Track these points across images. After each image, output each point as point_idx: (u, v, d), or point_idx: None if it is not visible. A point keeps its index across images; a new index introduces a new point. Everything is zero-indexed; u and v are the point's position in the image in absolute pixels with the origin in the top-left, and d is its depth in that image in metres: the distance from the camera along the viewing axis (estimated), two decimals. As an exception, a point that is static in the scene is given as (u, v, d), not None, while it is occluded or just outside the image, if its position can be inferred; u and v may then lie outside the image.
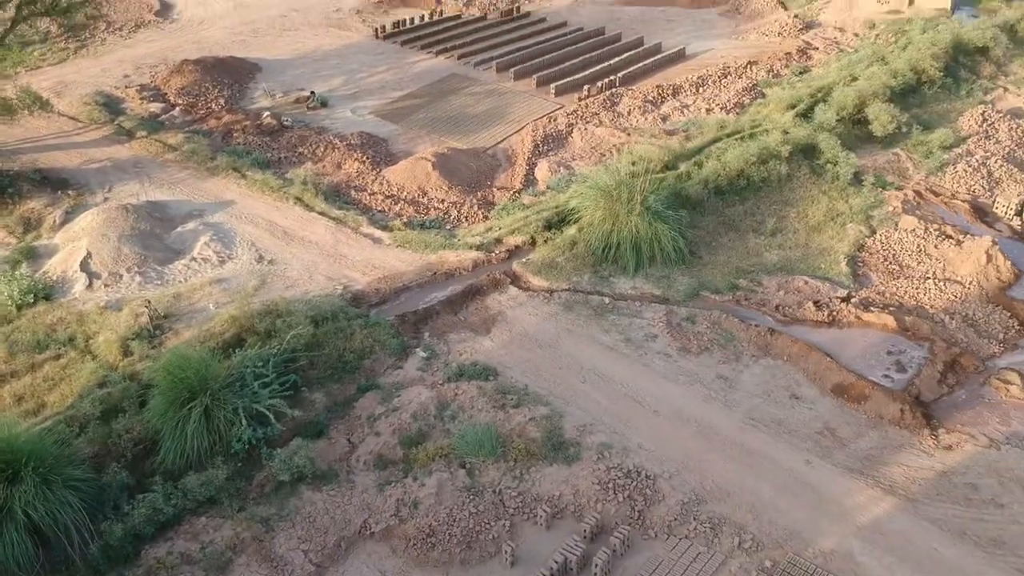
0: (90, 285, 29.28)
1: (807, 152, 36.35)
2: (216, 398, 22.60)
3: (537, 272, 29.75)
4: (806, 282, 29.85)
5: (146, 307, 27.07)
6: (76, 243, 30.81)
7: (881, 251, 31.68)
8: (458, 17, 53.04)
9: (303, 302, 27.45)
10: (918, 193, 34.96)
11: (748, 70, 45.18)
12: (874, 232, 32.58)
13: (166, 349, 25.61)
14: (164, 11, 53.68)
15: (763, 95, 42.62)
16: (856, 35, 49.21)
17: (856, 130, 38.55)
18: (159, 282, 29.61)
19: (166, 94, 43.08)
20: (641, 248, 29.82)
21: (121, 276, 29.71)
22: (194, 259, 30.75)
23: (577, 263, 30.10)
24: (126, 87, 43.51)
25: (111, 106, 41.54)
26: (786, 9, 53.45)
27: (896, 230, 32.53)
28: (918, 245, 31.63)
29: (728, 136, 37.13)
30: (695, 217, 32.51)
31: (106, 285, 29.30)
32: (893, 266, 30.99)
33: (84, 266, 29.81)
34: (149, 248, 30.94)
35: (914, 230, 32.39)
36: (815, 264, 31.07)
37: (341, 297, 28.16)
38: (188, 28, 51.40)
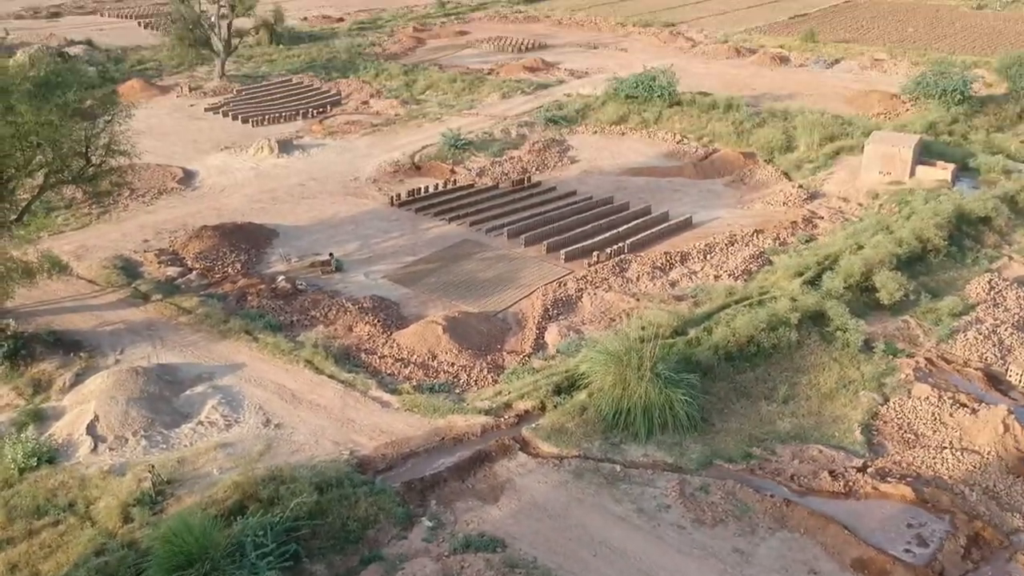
0: (95, 449, 29.02)
1: (816, 319, 36.49)
2: (215, 568, 21.92)
3: (547, 438, 29.37)
4: (820, 451, 29.35)
5: (149, 472, 26.70)
6: (84, 406, 30.74)
7: (895, 419, 31.26)
8: (471, 186, 54.60)
9: (308, 468, 27.05)
10: (930, 361, 34.80)
11: (755, 238, 45.97)
12: (887, 400, 32.26)
13: (167, 516, 25.10)
14: (187, 179, 55.44)
15: (770, 262, 43.16)
16: (860, 205, 50.29)
17: (864, 297, 38.81)
18: (164, 446, 29.33)
19: (184, 258, 43.96)
20: (652, 414, 29.53)
21: (127, 440, 29.47)
22: (201, 423, 30.56)
23: (587, 429, 29.77)
24: (145, 251, 44.46)
25: (129, 270, 42.33)
26: (790, 180, 54.89)
27: (909, 398, 32.21)
28: (933, 413, 31.23)
29: (737, 302, 37.40)
30: (706, 383, 32.30)
31: (111, 449, 29.03)
32: (908, 435, 30.50)
33: (90, 429, 29.63)
34: (157, 411, 30.81)
35: (928, 398, 32.07)
36: (829, 432, 30.62)
37: (347, 463, 27.78)
38: (209, 195, 52.98)
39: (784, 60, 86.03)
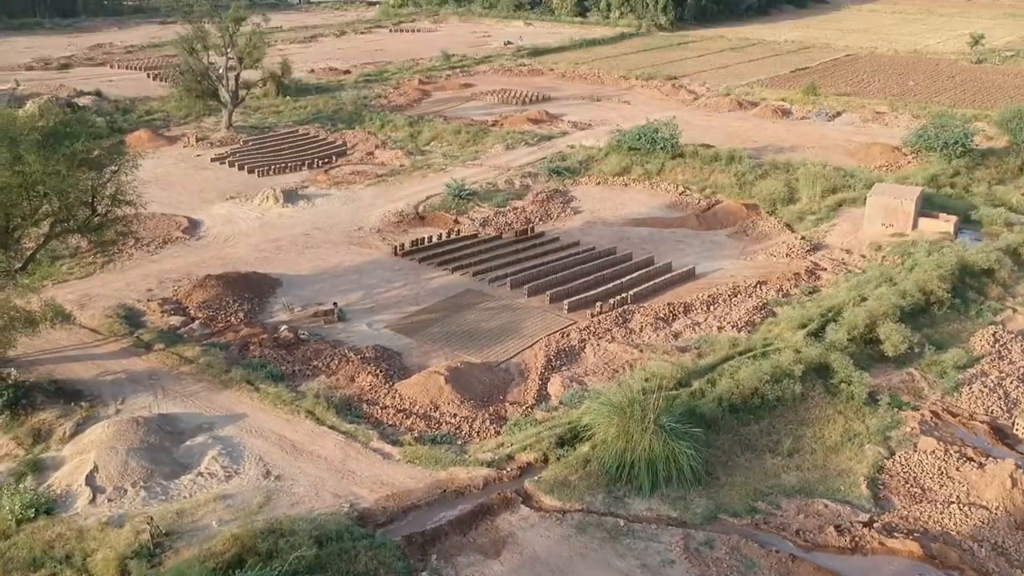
0: (93, 500, 28.74)
1: (820, 371, 36.33)
2: (211, 624, 21.59)
3: (549, 491, 29.08)
4: (826, 505, 29.01)
5: (148, 524, 26.41)
6: (84, 456, 30.51)
7: (901, 473, 30.95)
8: (474, 236, 54.79)
9: (307, 521, 26.76)
10: (935, 414, 34.56)
11: (758, 289, 45.96)
12: (893, 453, 31.98)
13: (165, 569, 24.81)
14: (192, 228, 55.68)
15: (773, 314, 43.09)
16: (863, 256, 50.34)
17: (868, 350, 38.66)
18: (163, 497, 29.06)
19: (187, 308, 43.99)
20: (657, 467, 29.25)
21: (126, 491, 29.21)
22: (200, 474, 30.30)
23: (590, 482, 29.48)
24: (148, 300, 44.51)
25: (132, 319, 42.33)
26: (793, 231, 55.04)
27: (915, 452, 31.93)
28: (939, 467, 30.93)
29: (740, 354, 37.27)
30: (710, 436, 32.05)
31: (110, 500, 28.76)
32: (915, 489, 30.17)
33: (89, 480, 29.38)
34: (156, 462, 30.58)
35: (934, 452, 31.79)
36: (834, 486, 30.29)
37: (347, 516, 27.51)
38: (214, 245, 53.18)
39: (786, 113, 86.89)
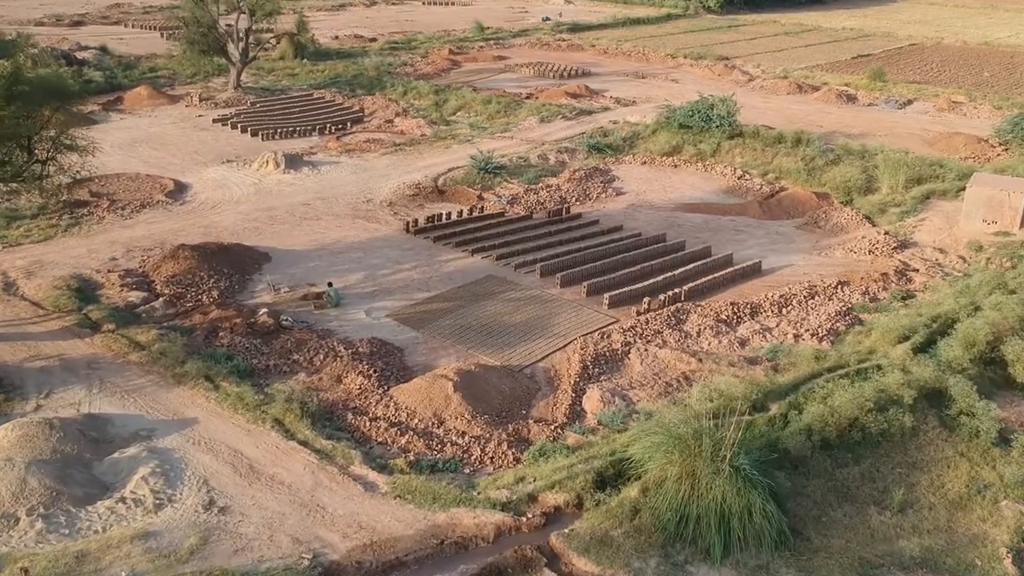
0: (-28, 530, 21.50)
1: (932, 398, 28.37)
2: None
3: (584, 550, 21.41)
4: (962, 588, 21.23)
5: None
6: (-29, 468, 23.29)
7: (1056, 544, 23.06)
8: (500, 215, 47.20)
9: (250, 581, 19.37)
10: (1087, 461, 26.56)
11: (839, 291, 38.02)
12: (1040, 515, 24.07)
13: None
14: (177, 192, 48.49)
15: (860, 321, 35.26)
16: (961, 258, 42.19)
17: (989, 372, 30.65)
18: (66, 531, 21.75)
19: (153, 282, 36.82)
20: (731, 525, 21.54)
21: (18, 520, 21.94)
22: (123, 499, 22.98)
23: (640, 541, 21.74)
24: (109, 271, 37.40)
25: (84, 292, 35.25)
26: (874, 225, 46.86)
27: (1071, 515, 24.00)
28: (1109, 540, 23.00)
29: (829, 371, 29.39)
30: (796, 479, 24.35)
31: (-7, 531, 21.50)
32: (1077, 568, 22.28)
33: (-29, 502, 22.16)
34: (67, 481, 23.26)
35: (1096, 516, 23.85)
36: (967, 558, 22.48)
37: (307, 574, 20.01)
38: (199, 211, 45.94)
39: (851, 98, 78.41)
